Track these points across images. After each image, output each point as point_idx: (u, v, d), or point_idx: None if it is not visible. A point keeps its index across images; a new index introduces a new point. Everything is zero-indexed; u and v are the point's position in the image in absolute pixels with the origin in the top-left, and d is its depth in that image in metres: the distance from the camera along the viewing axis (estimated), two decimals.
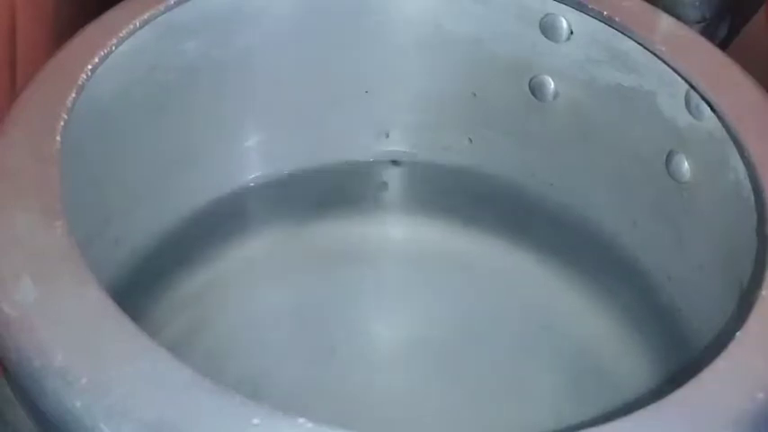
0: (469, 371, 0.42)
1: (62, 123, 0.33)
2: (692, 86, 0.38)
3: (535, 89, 0.44)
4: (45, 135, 0.33)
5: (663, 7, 0.41)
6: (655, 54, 0.39)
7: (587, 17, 0.41)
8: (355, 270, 0.46)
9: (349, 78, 0.46)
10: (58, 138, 0.33)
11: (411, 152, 0.48)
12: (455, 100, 0.46)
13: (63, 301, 0.28)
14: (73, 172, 0.33)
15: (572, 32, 0.42)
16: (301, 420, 0.26)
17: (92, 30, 0.37)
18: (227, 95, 0.44)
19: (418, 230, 0.47)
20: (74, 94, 0.34)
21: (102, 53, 0.36)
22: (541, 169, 0.46)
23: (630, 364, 0.42)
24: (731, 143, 0.36)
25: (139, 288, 0.42)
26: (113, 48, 0.37)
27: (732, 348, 0.29)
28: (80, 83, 0.35)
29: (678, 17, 0.42)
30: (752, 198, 0.35)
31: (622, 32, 0.40)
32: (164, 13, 0.39)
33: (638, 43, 0.40)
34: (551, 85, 0.44)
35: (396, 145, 0.48)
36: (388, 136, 0.48)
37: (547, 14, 0.42)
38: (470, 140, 0.47)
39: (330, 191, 0.47)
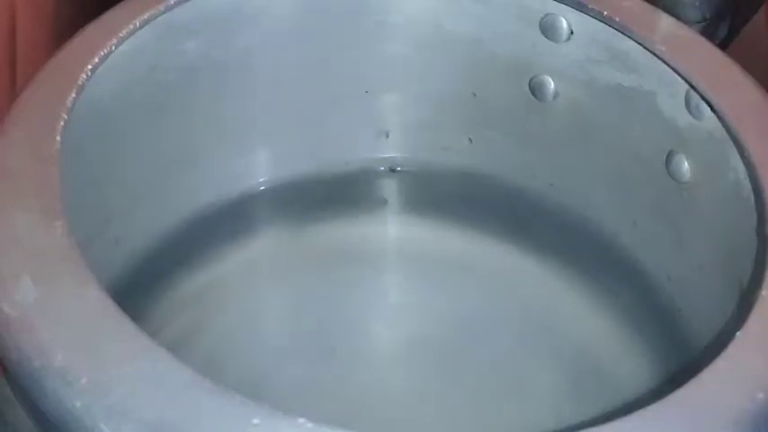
0: (469, 371, 0.42)
1: (62, 123, 0.33)
2: (692, 86, 0.38)
3: (535, 89, 0.44)
4: (45, 135, 0.33)
5: (663, 7, 0.41)
6: (655, 54, 0.39)
7: (587, 17, 0.41)
8: (355, 271, 0.46)
9: (349, 78, 0.46)
10: (58, 138, 0.33)
11: (411, 152, 0.48)
12: (455, 100, 0.46)
13: (63, 301, 0.28)
14: (73, 172, 0.33)
15: (572, 32, 0.42)
16: (301, 420, 0.26)
17: (92, 30, 0.37)
18: (227, 95, 0.44)
19: (418, 231, 0.47)
20: (74, 94, 0.34)
21: (102, 53, 0.36)
22: (541, 169, 0.46)
23: (630, 364, 0.42)
24: (731, 143, 0.36)
25: (139, 288, 0.42)
26: (113, 48, 0.37)
27: (732, 348, 0.29)
28: (80, 83, 0.35)
29: (678, 17, 0.42)
30: (752, 198, 0.35)
31: (622, 32, 0.40)
32: (164, 13, 0.39)
33: (638, 43, 0.40)
34: (551, 85, 0.44)
35: (396, 145, 0.48)
36: (387, 136, 0.48)
37: (547, 14, 0.42)
38: (470, 140, 0.47)
39: (330, 191, 0.47)
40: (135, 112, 0.40)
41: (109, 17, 0.38)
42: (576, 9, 0.41)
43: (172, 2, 0.39)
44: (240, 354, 0.42)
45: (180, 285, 0.43)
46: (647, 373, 0.42)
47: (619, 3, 0.41)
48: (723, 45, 0.51)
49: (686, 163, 0.40)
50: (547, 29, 0.43)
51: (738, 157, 0.36)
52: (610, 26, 0.40)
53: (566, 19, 0.42)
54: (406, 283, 0.47)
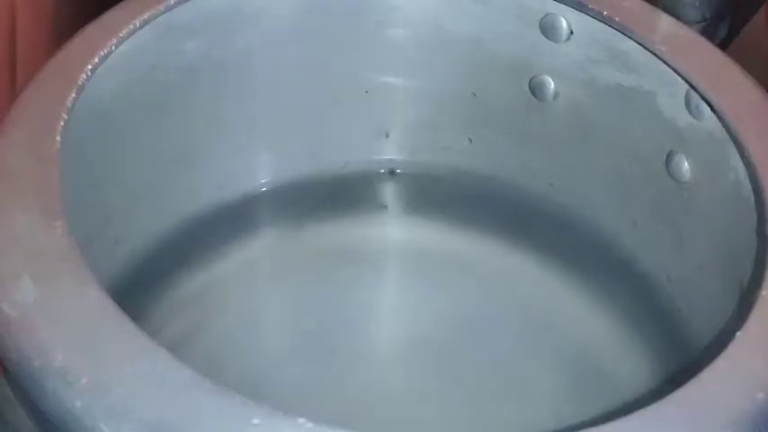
0: (469, 371, 0.42)
1: (62, 123, 0.33)
2: (692, 86, 0.38)
3: (535, 89, 0.44)
4: (45, 135, 0.33)
5: (663, 7, 0.41)
6: (655, 54, 0.39)
7: (587, 17, 0.41)
8: (355, 271, 0.46)
9: (349, 78, 0.46)
10: (58, 138, 0.33)
11: (411, 152, 0.48)
12: (455, 100, 0.46)
13: (63, 301, 0.28)
14: (73, 172, 0.33)
15: (572, 32, 0.42)
16: (301, 420, 0.26)
17: (92, 30, 0.37)
18: (227, 95, 0.44)
19: (418, 231, 0.47)
20: (74, 94, 0.34)
21: (102, 53, 0.36)
22: (541, 169, 0.46)
23: (630, 364, 0.42)
24: (731, 143, 0.36)
25: (139, 288, 0.42)
26: (113, 48, 0.37)
27: (732, 348, 0.29)
28: (80, 83, 0.35)
29: (678, 17, 0.42)
30: (752, 198, 0.35)
31: (622, 32, 0.40)
32: (164, 13, 0.39)
33: (638, 43, 0.40)
34: (551, 85, 0.44)
35: (396, 145, 0.48)
36: (387, 136, 0.48)
37: (547, 14, 0.42)
38: (470, 140, 0.47)
39: (330, 191, 0.47)
40: (135, 112, 0.40)
41: (109, 17, 0.38)
42: (576, 9, 0.41)
43: (172, 2, 0.39)
44: (240, 354, 0.42)
45: (180, 285, 0.43)
46: (647, 373, 0.42)
47: (619, 3, 0.41)
48: (723, 45, 0.51)
49: (686, 163, 0.40)
50: (547, 29, 0.43)
51: (738, 157, 0.36)
52: (610, 26, 0.40)
53: (566, 19, 0.42)
54: (406, 284, 0.47)
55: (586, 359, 0.43)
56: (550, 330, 0.44)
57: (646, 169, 0.42)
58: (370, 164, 0.48)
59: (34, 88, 0.35)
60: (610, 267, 0.45)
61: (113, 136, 0.39)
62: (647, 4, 0.41)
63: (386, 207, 0.48)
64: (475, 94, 0.46)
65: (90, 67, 0.36)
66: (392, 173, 0.48)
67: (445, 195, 0.48)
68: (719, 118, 0.37)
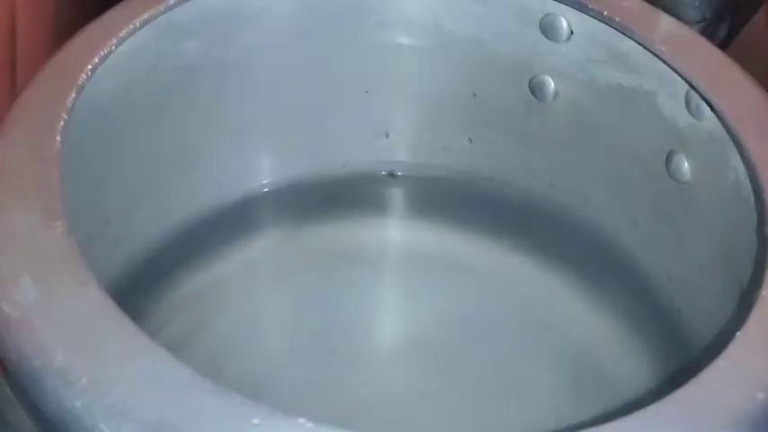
0: (469, 371, 0.42)
1: (62, 123, 0.33)
2: (692, 86, 0.38)
3: (535, 89, 0.44)
4: (45, 135, 0.33)
5: (663, 7, 0.41)
6: (655, 54, 0.39)
7: (587, 17, 0.41)
8: (355, 271, 0.46)
9: (349, 78, 0.46)
10: (58, 138, 0.33)
11: (411, 152, 0.48)
12: (455, 100, 0.46)
13: (63, 301, 0.28)
14: (73, 172, 0.33)
15: (572, 32, 0.42)
16: (301, 420, 0.26)
17: (92, 30, 0.37)
18: (227, 95, 0.44)
19: (418, 231, 0.47)
20: (74, 94, 0.34)
21: (102, 53, 0.36)
22: (541, 169, 0.46)
23: (630, 364, 0.42)
24: (731, 143, 0.36)
25: (139, 288, 0.42)
26: (113, 48, 0.37)
27: (732, 348, 0.29)
28: (80, 83, 0.35)
29: (678, 17, 0.42)
30: (752, 198, 0.35)
31: (622, 32, 0.40)
32: (164, 13, 0.39)
33: (638, 43, 0.40)
34: (551, 85, 0.44)
35: (396, 145, 0.48)
36: (387, 136, 0.48)
37: (547, 14, 0.42)
38: (470, 140, 0.47)
39: (329, 191, 0.47)
40: (135, 112, 0.40)
41: (109, 17, 0.38)
42: (576, 9, 0.41)
43: (172, 2, 0.39)
44: (240, 354, 0.42)
45: (180, 285, 0.43)
46: (647, 373, 0.42)
47: (619, 3, 0.41)
48: (723, 45, 0.51)
49: (686, 163, 0.40)
50: (547, 29, 0.43)
51: (738, 157, 0.36)
52: (610, 26, 0.40)
53: (566, 19, 0.42)
54: (405, 284, 0.47)
55: (586, 359, 0.43)
56: (550, 330, 0.44)
57: (646, 169, 0.42)
58: (370, 164, 0.48)
59: (34, 88, 0.35)
60: (610, 267, 0.45)
61: (113, 136, 0.39)
62: (647, 4, 0.41)
63: (386, 207, 0.48)
64: (475, 94, 0.46)
65: (90, 67, 0.36)
66: (392, 173, 0.48)
67: (445, 195, 0.48)
68: (719, 118, 0.37)
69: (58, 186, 0.31)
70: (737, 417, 0.28)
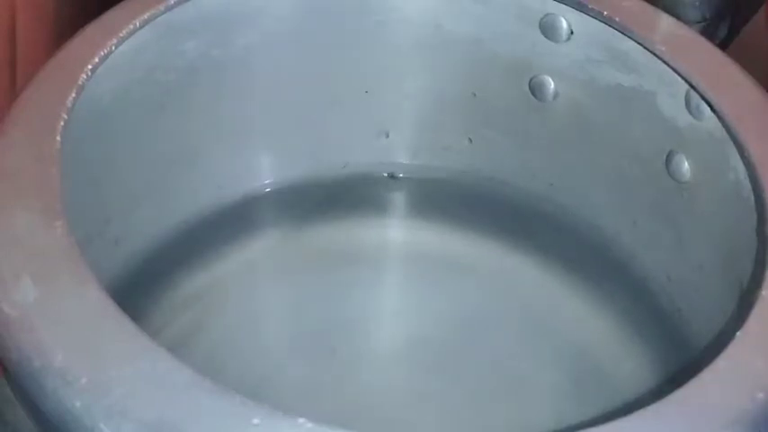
0: (469, 371, 0.42)
1: (62, 123, 0.33)
2: (692, 86, 0.38)
3: (535, 89, 0.44)
4: (45, 135, 0.33)
5: (663, 7, 0.41)
6: (655, 54, 0.39)
7: (587, 17, 0.41)
8: (355, 271, 0.46)
9: (349, 78, 0.46)
10: (58, 138, 0.33)
11: (411, 152, 0.48)
12: (455, 100, 0.46)
13: (63, 301, 0.28)
14: (73, 172, 0.33)
15: (572, 32, 0.42)
16: (301, 420, 0.26)
17: (92, 30, 0.37)
18: (227, 96, 0.44)
19: (418, 231, 0.47)
20: (74, 94, 0.34)
21: (102, 53, 0.36)
22: (541, 169, 0.46)
23: (630, 364, 0.42)
24: (731, 143, 0.36)
25: (139, 288, 0.42)
26: (113, 48, 0.37)
27: (732, 348, 0.29)
28: (80, 83, 0.35)
29: (678, 17, 0.42)
30: (752, 198, 0.35)
31: (622, 32, 0.40)
32: (164, 13, 0.39)
33: (638, 43, 0.40)
34: (551, 85, 0.44)
35: (395, 145, 0.48)
36: (387, 136, 0.48)
37: (547, 14, 0.42)
38: (470, 140, 0.47)
39: (329, 191, 0.47)
40: (135, 112, 0.40)
41: (109, 17, 0.38)
42: (576, 9, 0.41)
43: (172, 2, 0.39)
44: (240, 354, 0.42)
45: (180, 285, 0.43)
46: (647, 373, 0.42)
47: (619, 3, 0.41)
48: (723, 45, 0.51)
49: (686, 163, 0.40)
50: (547, 29, 0.43)
51: (738, 157, 0.36)
52: (610, 26, 0.40)
53: (566, 19, 0.42)
54: (405, 284, 0.47)
55: (586, 359, 0.43)
56: (550, 330, 0.44)
57: (646, 169, 0.42)
58: (370, 164, 0.48)
59: (34, 88, 0.35)
60: (610, 267, 0.45)
61: (113, 136, 0.39)
62: (647, 4, 0.41)
63: (385, 207, 0.48)
64: (475, 94, 0.46)
65: (90, 67, 0.36)
66: (392, 173, 0.48)
67: (445, 195, 0.48)
68: (719, 118, 0.37)
69: (58, 186, 0.31)
70: (737, 417, 0.28)
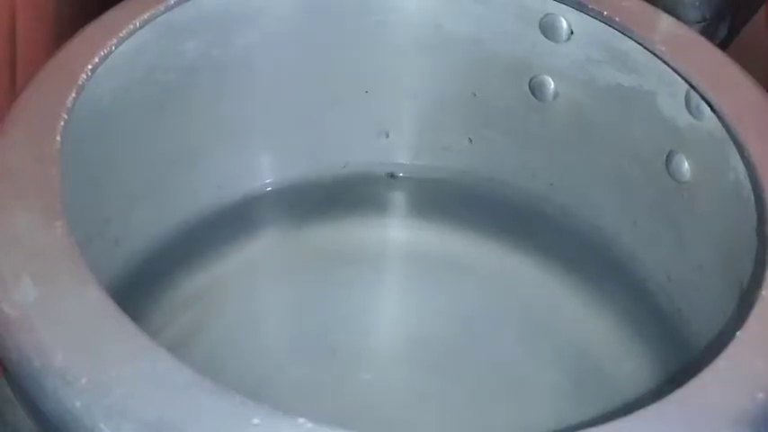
0: (469, 371, 0.42)
1: (62, 123, 0.33)
2: (692, 86, 0.38)
3: (535, 89, 0.44)
4: (45, 135, 0.33)
5: (663, 7, 0.41)
6: (655, 54, 0.39)
7: (587, 17, 0.41)
8: (355, 271, 0.46)
9: (349, 78, 0.46)
10: (58, 138, 0.33)
11: (411, 152, 0.48)
12: (455, 100, 0.46)
13: (63, 301, 0.28)
14: (73, 172, 0.33)
15: (572, 32, 0.42)
16: (301, 420, 0.26)
17: (92, 30, 0.37)
18: (227, 96, 0.44)
19: (418, 231, 0.47)
20: (74, 94, 0.34)
21: (102, 53, 0.36)
22: (541, 169, 0.46)
23: (630, 364, 0.42)
24: (731, 143, 0.36)
25: (139, 288, 0.42)
26: (113, 48, 0.37)
27: (732, 348, 0.29)
28: (80, 83, 0.35)
29: (678, 17, 0.42)
30: (752, 198, 0.35)
31: (622, 32, 0.40)
32: (164, 13, 0.39)
33: (638, 43, 0.40)
34: (551, 85, 0.44)
35: (395, 145, 0.48)
36: (387, 136, 0.48)
37: (547, 14, 0.42)
38: (470, 140, 0.47)
39: (329, 191, 0.47)
40: (135, 112, 0.40)
41: (109, 17, 0.38)
42: (576, 9, 0.41)
43: (172, 2, 0.39)
44: (240, 354, 0.42)
45: (180, 285, 0.43)
46: (647, 373, 0.42)
47: (619, 3, 0.41)
48: (723, 45, 0.51)
49: (686, 163, 0.40)
50: (547, 29, 0.43)
51: (738, 157, 0.36)
52: (610, 26, 0.40)
53: (566, 19, 0.42)
54: (406, 284, 0.47)
55: (586, 359, 0.43)
56: (550, 330, 0.44)
57: (646, 169, 0.42)
58: (369, 164, 0.48)
59: (34, 88, 0.35)
60: (610, 267, 0.45)
61: (113, 136, 0.39)
62: (647, 4, 0.41)
63: (385, 207, 0.48)
64: (475, 94, 0.46)
65: (90, 67, 0.36)
66: (392, 173, 0.48)
67: (445, 195, 0.48)
68: (719, 118, 0.37)
69: (58, 186, 0.31)
70: (737, 417, 0.28)
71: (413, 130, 0.48)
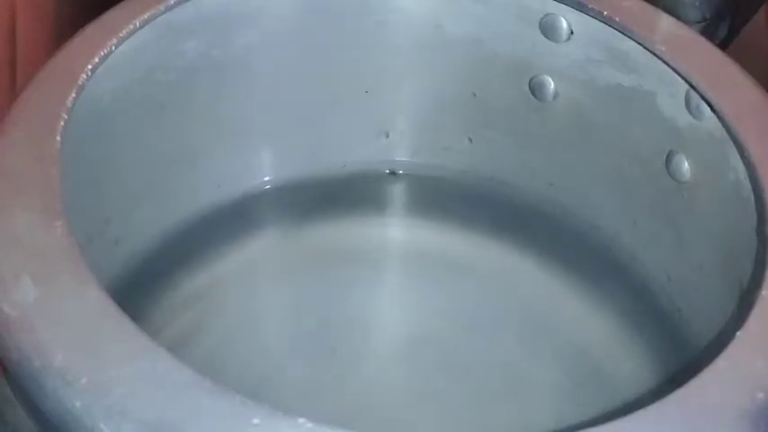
0: (470, 371, 0.42)
1: (62, 123, 0.33)
2: (692, 86, 0.38)
3: (535, 89, 0.44)
4: (45, 135, 0.33)
5: (663, 7, 0.41)
6: (655, 54, 0.39)
7: (587, 17, 0.41)
8: (355, 271, 0.46)
9: (349, 78, 0.46)
10: (58, 138, 0.33)
11: (411, 152, 0.48)
12: (455, 100, 0.46)
13: (63, 301, 0.28)
14: (73, 172, 0.33)
15: (572, 32, 0.42)
16: (301, 420, 0.26)
17: (92, 30, 0.37)
18: (227, 95, 0.44)
19: (418, 231, 0.47)
20: (74, 94, 0.34)
21: (102, 53, 0.36)
22: (541, 169, 0.46)
23: (630, 364, 0.42)
24: (731, 143, 0.36)
25: (139, 288, 0.42)
26: (113, 48, 0.37)
27: (732, 348, 0.29)
28: (80, 83, 0.35)
29: (678, 17, 0.42)
30: (752, 198, 0.35)
31: (622, 32, 0.40)
32: (164, 13, 0.39)
33: (638, 43, 0.40)
34: (551, 85, 0.44)
35: (395, 145, 0.48)
36: (387, 136, 0.48)
37: (547, 14, 0.42)
38: (470, 140, 0.47)
39: (329, 191, 0.47)
40: (135, 112, 0.40)
41: (109, 17, 0.38)
42: (576, 9, 0.41)
43: (172, 2, 0.39)
44: (240, 354, 0.42)
45: (180, 285, 0.43)
46: (647, 373, 0.42)
47: (619, 3, 0.41)
48: (723, 45, 0.51)
49: (686, 163, 0.40)
50: (547, 29, 0.43)
51: (738, 157, 0.36)
52: (610, 26, 0.40)
53: (566, 19, 0.42)
54: (406, 283, 0.47)
55: (586, 359, 0.43)
56: (550, 330, 0.44)
57: (646, 169, 0.42)
58: (369, 164, 0.48)
59: (34, 88, 0.35)
60: (610, 267, 0.45)
61: (113, 136, 0.39)
62: (647, 4, 0.41)
63: (386, 207, 0.48)
64: (475, 94, 0.46)
65: (90, 67, 0.36)
66: (392, 173, 0.48)
67: (445, 195, 0.48)
68: (719, 118, 0.37)
69: (58, 186, 0.31)
70: (737, 417, 0.28)
71: (413, 129, 0.48)
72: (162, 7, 0.39)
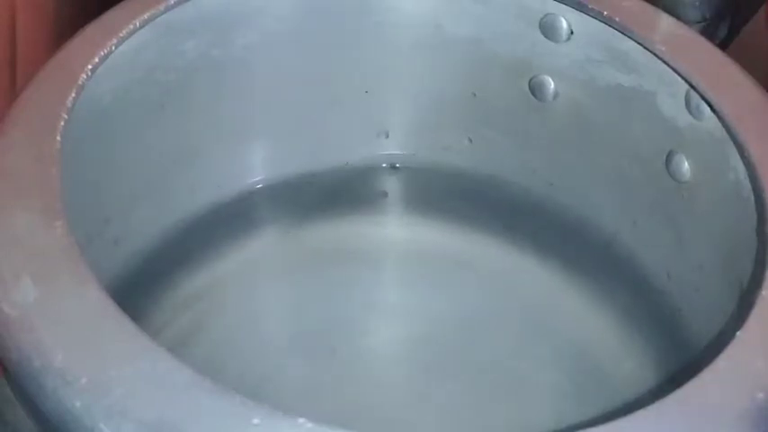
0: (470, 371, 0.42)
1: (62, 123, 0.33)
2: (692, 86, 0.38)
3: (535, 89, 0.44)
4: (45, 135, 0.33)
5: (663, 7, 0.41)
6: (655, 54, 0.39)
7: (587, 17, 0.41)
8: (355, 270, 0.46)
9: (349, 78, 0.46)
10: (58, 138, 0.33)
11: (411, 152, 0.48)
12: (455, 100, 0.46)
13: (63, 301, 0.28)
14: (73, 172, 0.33)
15: (572, 32, 0.42)
16: (301, 420, 0.26)
17: (92, 30, 0.37)
18: (227, 95, 0.44)
19: (418, 231, 0.47)
20: (74, 94, 0.34)
21: (102, 53, 0.36)
22: (541, 169, 0.46)
23: (630, 364, 0.42)
24: (731, 143, 0.36)
25: (139, 288, 0.42)
26: (113, 48, 0.37)
27: (732, 348, 0.29)
28: (80, 83, 0.35)
29: (678, 17, 0.42)
30: (752, 198, 0.35)
31: (622, 32, 0.40)
32: (164, 13, 0.39)
33: (638, 43, 0.40)
34: (551, 85, 0.44)
35: (395, 145, 0.48)
36: (387, 136, 0.48)
37: (547, 14, 0.42)
38: (470, 140, 0.47)
39: (330, 191, 0.47)
40: (135, 112, 0.40)
41: (109, 17, 0.38)
42: (576, 9, 0.41)
43: (172, 2, 0.39)
44: (240, 354, 0.42)
45: (180, 285, 0.43)
46: (647, 373, 0.42)
47: (619, 3, 0.41)
48: (723, 45, 0.51)
49: (686, 163, 0.40)
50: (547, 29, 0.43)
51: (738, 157, 0.36)
52: (610, 26, 0.40)
53: (566, 19, 0.42)
54: (405, 283, 0.47)
55: (586, 359, 0.43)
56: (550, 330, 0.44)
57: (646, 169, 0.42)
58: (370, 164, 0.48)
59: (34, 88, 0.35)
60: (610, 267, 0.45)
61: (113, 136, 0.39)
62: (647, 4, 0.41)
63: (386, 207, 0.48)
64: (475, 94, 0.46)
65: (90, 67, 0.36)
66: (392, 171, 0.48)
67: (445, 195, 0.48)
68: (719, 118, 0.37)
69: (58, 186, 0.31)
70: (737, 417, 0.28)
71: (413, 129, 0.48)
72: (162, 7, 0.39)
